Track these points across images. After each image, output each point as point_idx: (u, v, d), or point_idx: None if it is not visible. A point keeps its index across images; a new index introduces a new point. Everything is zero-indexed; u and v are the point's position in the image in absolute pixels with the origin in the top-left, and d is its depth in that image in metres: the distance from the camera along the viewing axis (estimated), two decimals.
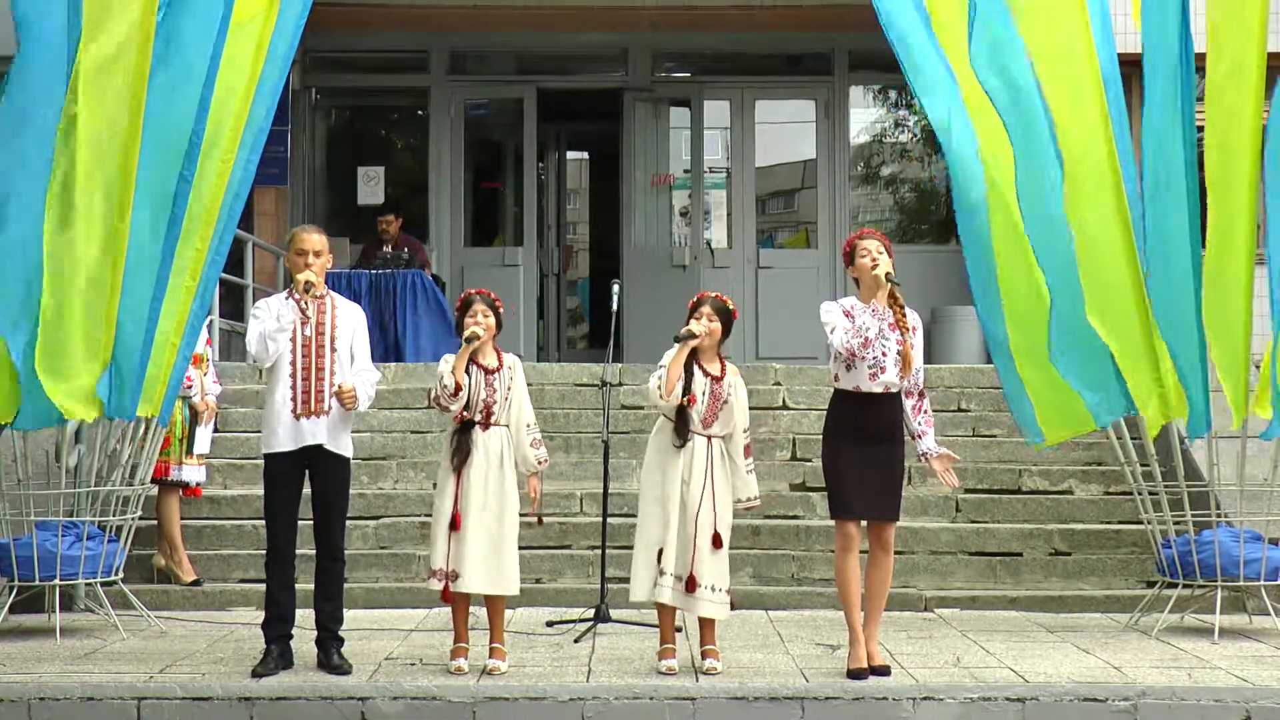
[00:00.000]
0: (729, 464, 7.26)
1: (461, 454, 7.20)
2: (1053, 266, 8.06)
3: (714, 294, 7.39)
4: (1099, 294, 8.07)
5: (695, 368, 7.20)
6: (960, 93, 8.06)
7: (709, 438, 7.21)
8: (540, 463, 7.38)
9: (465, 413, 7.21)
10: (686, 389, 7.14)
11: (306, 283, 7.19)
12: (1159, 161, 8.08)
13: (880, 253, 7.15)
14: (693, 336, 7.15)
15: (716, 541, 7.14)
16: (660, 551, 7.11)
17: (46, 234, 7.49)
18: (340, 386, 7.21)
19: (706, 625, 7.29)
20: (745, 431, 7.32)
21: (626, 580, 9.14)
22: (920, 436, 7.27)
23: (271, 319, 7.16)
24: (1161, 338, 8.14)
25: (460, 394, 7.14)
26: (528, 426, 7.36)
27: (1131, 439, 8.91)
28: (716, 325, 7.24)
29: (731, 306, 7.35)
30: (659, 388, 7.13)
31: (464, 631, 7.31)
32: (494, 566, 7.19)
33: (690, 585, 7.09)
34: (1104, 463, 10.66)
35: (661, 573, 7.07)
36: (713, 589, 7.14)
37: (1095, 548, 9.92)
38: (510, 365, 7.35)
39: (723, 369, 7.27)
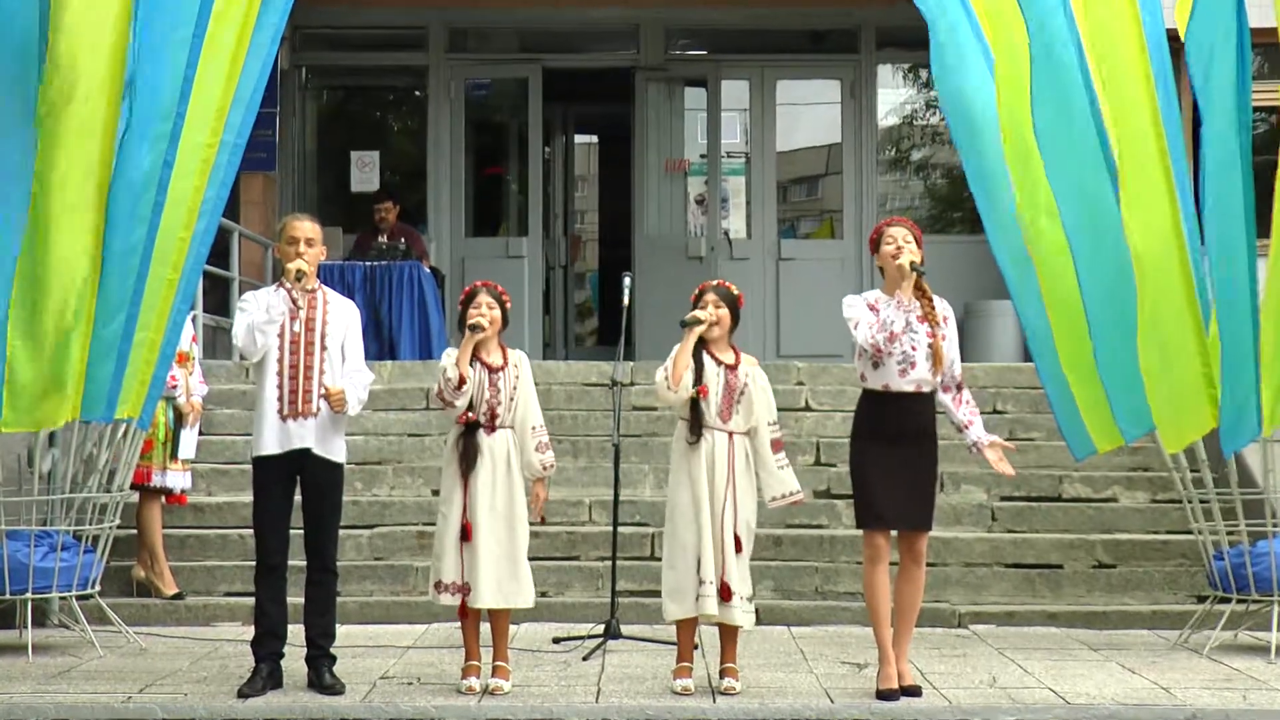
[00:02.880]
0: (756, 462, 7.23)
1: (468, 459, 7.19)
2: (1093, 259, 8.03)
3: (716, 281, 7.40)
4: (1149, 290, 8.04)
5: (706, 357, 7.19)
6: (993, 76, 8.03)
7: (730, 434, 7.18)
8: (546, 468, 7.37)
9: (469, 414, 7.20)
10: (698, 380, 7.13)
11: (298, 271, 7.18)
12: (1213, 145, 8.04)
13: (907, 240, 7.14)
14: (698, 322, 7.15)
15: (738, 545, 7.12)
16: (699, 561, 7.08)
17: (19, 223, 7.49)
18: (328, 389, 7.19)
19: (728, 640, 7.28)
20: (772, 425, 7.28)
21: (637, 594, 9.20)
22: (967, 427, 7.25)
23: (260, 310, 7.15)
24: (1206, 336, 8.12)
25: (465, 387, 7.13)
26: (533, 429, 7.35)
27: None
28: (724, 312, 7.24)
29: (737, 293, 7.36)
30: (666, 379, 7.12)
31: (475, 648, 7.31)
32: (508, 579, 7.18)
33: (725, 593, 7.07)
34: (1151, 468, 10.63)
35: (703, 583, 7.05)
36: (745, 598, 7.13)
37: (1141, 559, 9.88)
38: (516, 363, 7.34)
39: (737, 358, 7.26)
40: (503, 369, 7.29)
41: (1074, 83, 8.05)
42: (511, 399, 7.28)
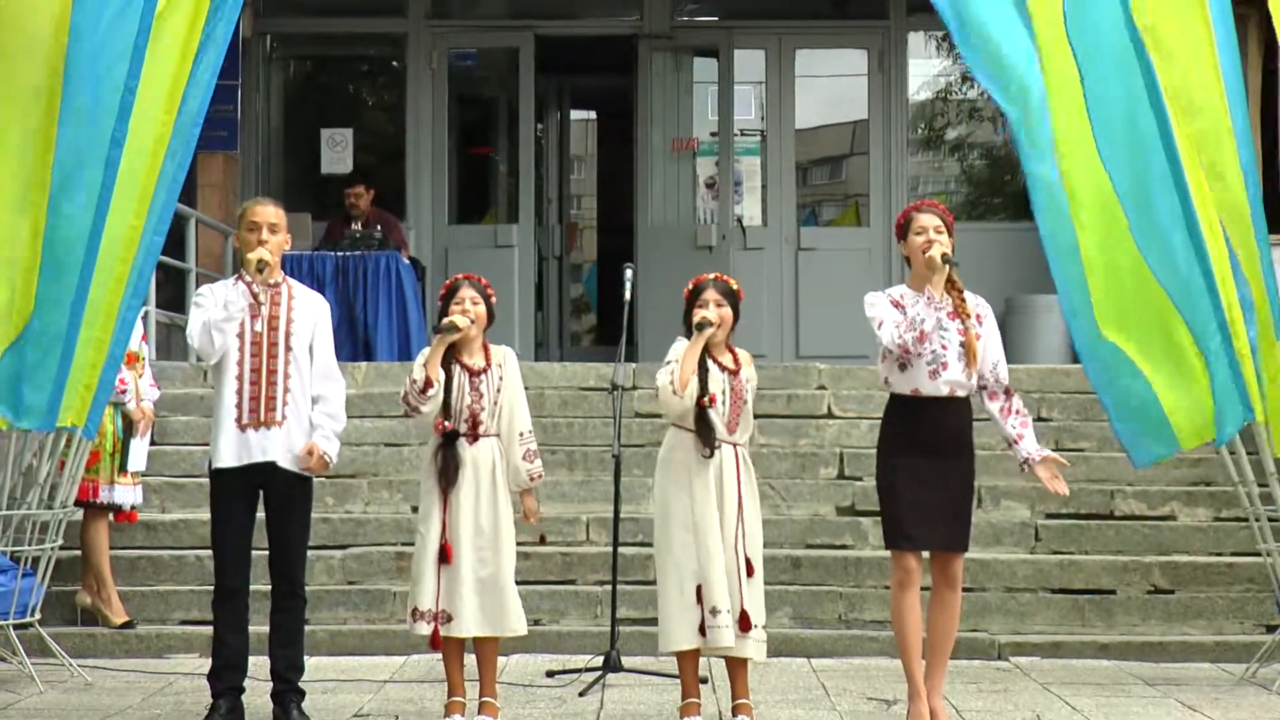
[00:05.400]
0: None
1: (448, 473, 7.18)
2: (1161, 250, 8.05)
3: (713, 275, 7.39)
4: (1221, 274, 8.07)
5: (710, 362, 7.20)
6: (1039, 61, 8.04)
7: (734, 445, 7.19)
8: (533, 478, 7.34)
9: (447, 422, 7.19)
10: (704, 388, 7.13)
11: (259, 261, 7.17)
12: None
13: (939, 230, 7.13)
14: (709, 324, 7.15)
15: (749, 569, 7.12)
16: (699, 588, 7.07)
17: None
18: (307, 465, 7.19)
19: (739, 674, 7.26)
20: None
21: (640, 622, 9.18)
22: (1018, 441, 7.21)
23: (218, 306, 7.14)
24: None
25: (431, 391, 7.11)
26: (521, 435, 7.32)
27: (1248, 453, 8.86)
28: (728, 311, 7.24)
29: (736, 287, 7.35)
30: (672, 383, 7.11)
31: (459, 682, 7.29)
32: (493, 604, 7.17)
33: (745, 623, 7.06)
34: (1213, 482, 10.61)
35: (714, 612, 7.04)
36: (760, 627, 7.13)
37: (1203, 584, 9.87)
38: (500, 363, 7.31)
39: (737, 362, 7.26)
40: (485, 371, 7.27)
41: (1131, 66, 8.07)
42: (496, 404, 7.26)
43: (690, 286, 7.35)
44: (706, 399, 7.13)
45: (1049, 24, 7.98)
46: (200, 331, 7.16)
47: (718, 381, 7.18)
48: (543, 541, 7.66)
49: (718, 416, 7.16)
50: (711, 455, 7.15)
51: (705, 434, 7.15)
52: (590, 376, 11.84)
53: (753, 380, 7.31)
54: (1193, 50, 8.11)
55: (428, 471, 7.29)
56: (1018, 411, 7.24)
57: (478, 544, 7.16)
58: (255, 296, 7.22)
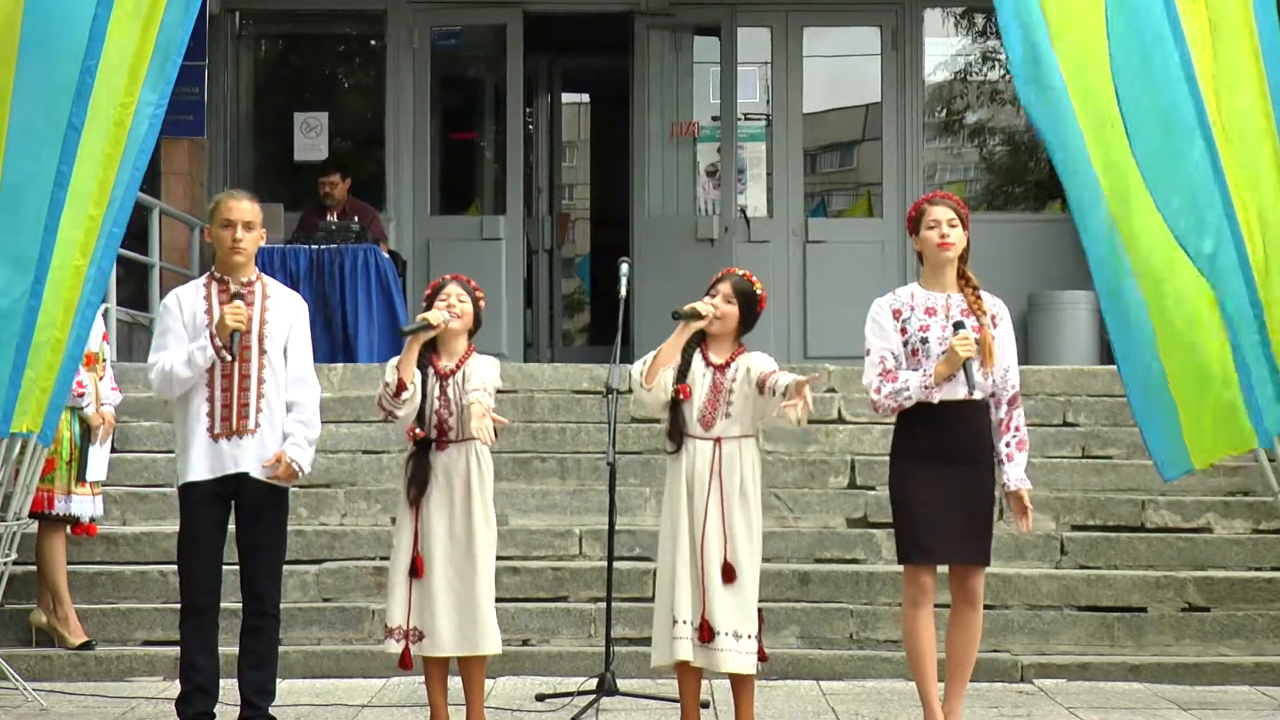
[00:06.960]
0: (764, 398, 7.19)
1: (417, 483, 7.20)
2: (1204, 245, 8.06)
3: (740, 271, 7.40)
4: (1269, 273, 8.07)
5: (697, 355, 7.21)
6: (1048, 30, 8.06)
7: (716, 440, 7.19)
8: (472, 390, 7.09)
9: (419, 429, 7.19)
10: (682, 378, 7.15)
11: (234, 333, 7.13)
12: None
13: (952, 224, 7.14)
14: (696, 316, 7.16)
15: (728, 574, 7.11)
16: (675, 596, 7.10)
17: None
18: (276, 475, 7.19)
19: (741, 696, 7.27)
20: (771, 374, 7.17)
21: (637, 641, 9.19)
22: (1006, 461, 7.21)
23: (180, 359, 7.09)
24: None
25: (405, 395, 7.11)
26: (473, 389, 7.15)
27: None
28: (732, 309, 7.24)
29: (760, 290, 7.35)
30: (641, 374, 7.15)
31: (442, 707, 7.31)
32: (468, 621, 7.18)
33: (705, 633, 7.07)
34: (1251, 491, 10.61)
35: (675, 621, 7.06)
36: (734, 635, 7.10)
37: (1241, 601, 9.87)
38: (471, 366, 7.27)
39: (732, 357, 7.26)
40: (453, 374, 7.26)
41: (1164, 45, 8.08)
42: (464, 408, 7.23)
43: (716, 276, 7.39)
44: (676, 391, 7.16)
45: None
46: (159, 378, 7.19)
47: (698, 374, 7.20)
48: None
49: (689, 412, 7.17)
50: (675, 451, 7.17)
51: (672, 430, 7.22)
52: (583, 378, 11.83)
53: (750, 361, 7.23)
54: (1230, 31, 8.12)
55: (400, 481, 7.31)
56: (1016, 429, 7.23)
57: (452, 556, 7.18)
58: (221, 354, 7.15)
